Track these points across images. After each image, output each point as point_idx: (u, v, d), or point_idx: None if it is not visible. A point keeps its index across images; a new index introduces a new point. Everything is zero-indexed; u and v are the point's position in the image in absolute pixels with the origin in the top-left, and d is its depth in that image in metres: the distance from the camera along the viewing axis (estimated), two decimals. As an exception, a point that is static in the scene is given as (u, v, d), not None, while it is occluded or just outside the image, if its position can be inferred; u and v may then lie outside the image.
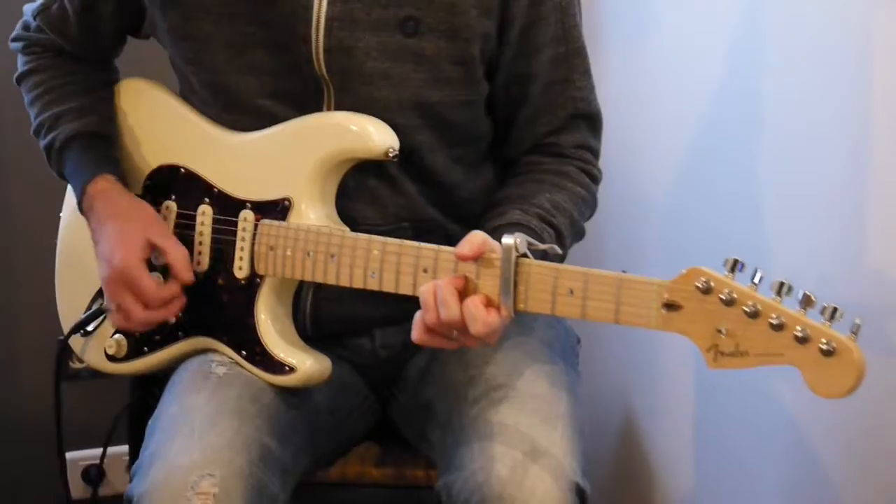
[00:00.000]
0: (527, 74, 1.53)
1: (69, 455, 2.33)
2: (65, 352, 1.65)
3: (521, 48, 1.51)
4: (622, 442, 2.27)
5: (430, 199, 1.55)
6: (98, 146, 1.60)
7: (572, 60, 1.54)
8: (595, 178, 1.59)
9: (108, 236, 1.53)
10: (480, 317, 1.29)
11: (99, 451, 2.15)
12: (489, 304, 1.30)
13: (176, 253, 1.51)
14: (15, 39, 1.69)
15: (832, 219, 1.55)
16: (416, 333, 1.33)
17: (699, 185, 1.93)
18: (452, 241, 1.37)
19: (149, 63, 1.67)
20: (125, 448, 2.02)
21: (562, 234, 1.48)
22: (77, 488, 2.37)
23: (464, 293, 1.31)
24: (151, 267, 1.52)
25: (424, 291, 1.32)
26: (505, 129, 1.59)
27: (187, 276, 1.51)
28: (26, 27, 1.68)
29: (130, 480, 1.41)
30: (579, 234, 1.55)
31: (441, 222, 1.56)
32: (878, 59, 1.44)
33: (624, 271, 1.25)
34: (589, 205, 1.57)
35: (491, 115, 1.57)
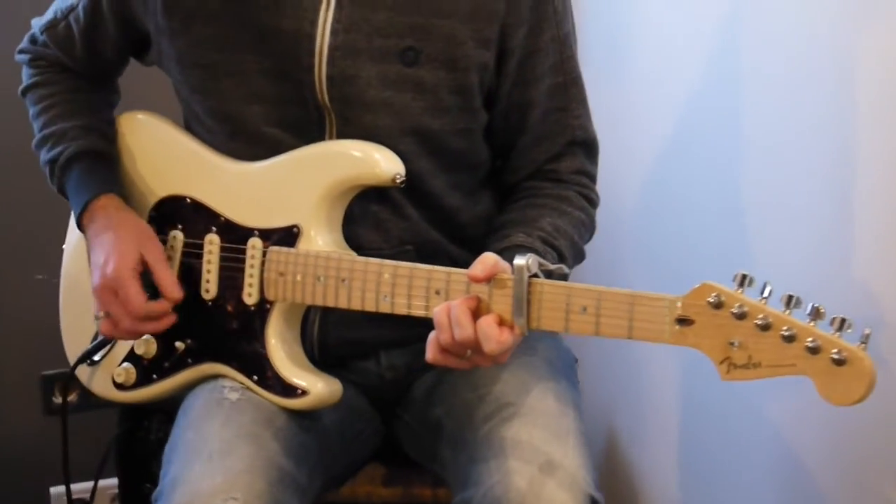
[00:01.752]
0: (526, 103, 1.57)
1: (54, 490, 2.33)
2: (70, 382, 1.65)
3: (520, 78, 1.55)
4: (606, 461, 2.30)
5: (432, 222, 1.58)
6: (102, 166, 1.62)
7: (570, 90, 1.59)
8: (593, 202, 1.63)
9: (103, 246, 1.55)
10: (494, 335, 1.32)
11: (84, 484, 2.07)
12: (502, 323, 1.34)
13: (162, 273, 1.53)
14: (21, 52, 1.72)
15: (813, 231, 1.60)
16: (431, 353, 1.36)
17: (679, 199, 1.96)
18: (456, 262, 1.42)
19: (150, 94, 1.70)
20: (114, 481, 2.00)
21: (564, 256, 1.52)
22: (63, 523, 2.36)
23: (476, 313, 1.34)
24: (146, 283, 1.53)
25: (438, 312, 1.35)
26: (505, 156, 1.63)
27: (175, 293, 1.53)
28: (33, 41, 1.70)
29: (153, 506, 1.43)
30: (580, 256, 1.58)
31: (443, 245, 1.59)
32: (859, 68, 1.48)
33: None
34: (588, 228, 1.61)
35: (489, 144, 1.61)
